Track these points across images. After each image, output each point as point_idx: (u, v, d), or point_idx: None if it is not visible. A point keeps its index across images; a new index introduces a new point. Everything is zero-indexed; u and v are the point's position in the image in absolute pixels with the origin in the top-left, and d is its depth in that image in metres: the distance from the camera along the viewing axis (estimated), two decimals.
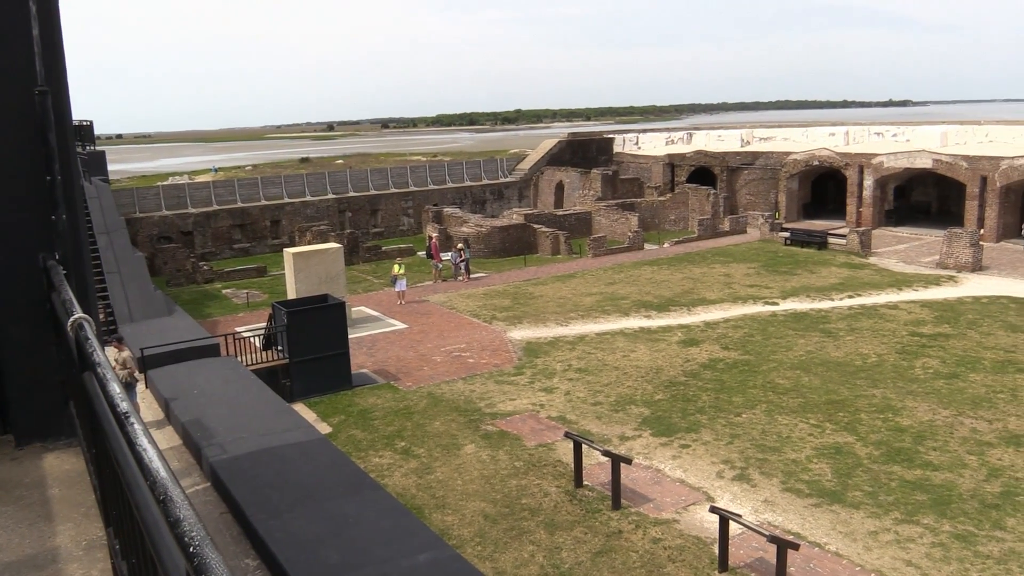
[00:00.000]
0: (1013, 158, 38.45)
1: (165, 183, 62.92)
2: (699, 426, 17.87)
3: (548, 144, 58.51)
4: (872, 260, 35.81)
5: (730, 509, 13.81)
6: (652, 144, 60.31)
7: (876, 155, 44.06)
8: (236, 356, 19.59)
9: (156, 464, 1.69)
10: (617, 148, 59.20)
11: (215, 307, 32.03)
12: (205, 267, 38.12)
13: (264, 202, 47.11)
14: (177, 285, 36.51)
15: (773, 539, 11.78)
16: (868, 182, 44.15)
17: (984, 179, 39.23)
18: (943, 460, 15.78)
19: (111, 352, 13.77)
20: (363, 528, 10.13)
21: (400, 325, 27.64)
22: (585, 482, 15.16)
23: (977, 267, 32.83)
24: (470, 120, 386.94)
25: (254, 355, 20.61)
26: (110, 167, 47.44)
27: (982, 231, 37.86)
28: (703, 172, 52.04)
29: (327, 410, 19.71)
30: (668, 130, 64.12)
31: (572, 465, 15.35)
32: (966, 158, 40.24)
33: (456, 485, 15.33)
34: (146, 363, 17.46)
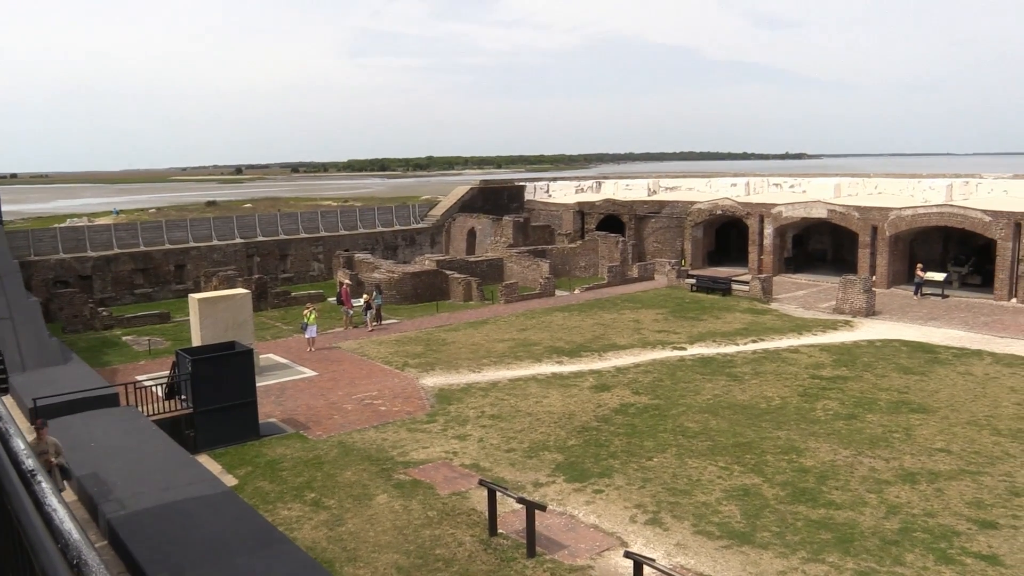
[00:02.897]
0: (900, 209, 40.68)
1: (63, 225, 60.52)
2: (612, 471, 17.99)
3: (460, 191, 58.90)
4: (774, 306, 37.09)
5: (644, 553, 13.90)
6: (562, 192, 61.37)
7: (775, 205, 45.94)
8: (136, 406, 18.85)
9: (68, 525, 1.60)
10: (528, 196, 60.01)
11: (115, 355, 30.74)
12: (104, 313, 36.62)
13: (168, 246, 45.76)
14: (74, 332, 34.94)
15: None
16: (768, 231, 45.93)
17: (875, 228, 41.33)
18: (845, 499, 16.30)
19: (31, 439, 12.55)
20: None
21: (310, 373, 27.08)
22: (500, 530, 15.03)
23: (870, 312, 34.38)
24: (382, 166, 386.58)
25: (156, 405, 19.82)
26: (3, 208, 45.40)
27: (874, 278, 39.76)
28: (612, 220, 53.19)
29: (233, 461, 19.04)
30: (578, 179, 65.40)
31: (486, 513, 15.21)
32: (858, 208, 42.36)
33: (368, 536, 14.98)
34: (39, 414, 16.60)
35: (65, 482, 12.12)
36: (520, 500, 14.63)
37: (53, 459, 11.66)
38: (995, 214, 37.18)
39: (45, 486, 1.85)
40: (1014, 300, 36.72)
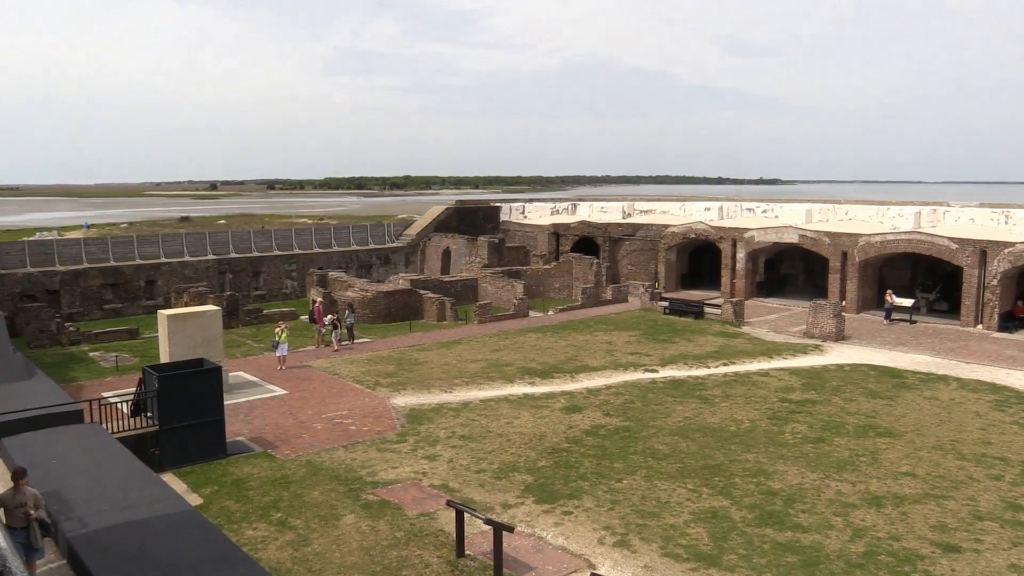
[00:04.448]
0: (870, 235, 41.27)
1: (31, 238, 59.80)
2: (581, 492, 17.98)
3: (436, 210, 58.94)
4: (745, 329, 37.37)
5: None
6: (538, 213, 61.63)
7: (748, 229, 46.42)
8: (101, 423, 18.59)
9: None
10: (504, 216, 60.18)
11: (81, 371, 30.31)
12: (72, 328, 36.12)
13: (139, 261, 45.33)
14: (39, 347, 34.42)
15: None
16: (741, 255, 46.37)
17: (845, 254, 41.87)
18: (811, 522, 16.40)
19: (7, 490, 11.15)
20: None
21: (280, 391, 26.86)
22: (467, 552, 14.94)
23: (840, 337, 34.74)
24: (358, 184, 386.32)
25: (121, 422, 19.54)
26: None
27: (844, 303, 40.21)
28: (587, 242, 53.46)
29: (198, 480, 18.80)
30: (554, 200, 65.71)
31: (454, 534, 15.13)
32: (828, 234, 42.91)
33: (334, 557, 14.83)
34: (0, 431, 16.33)
35: (45, 539, 11.18)
36: (488, 521, 14.57)
37: (33, 512, 10.83)
38: (962, 242, 37.83)
39: None
40: (980, 326, 37.29)
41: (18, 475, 11.04)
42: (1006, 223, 41.69)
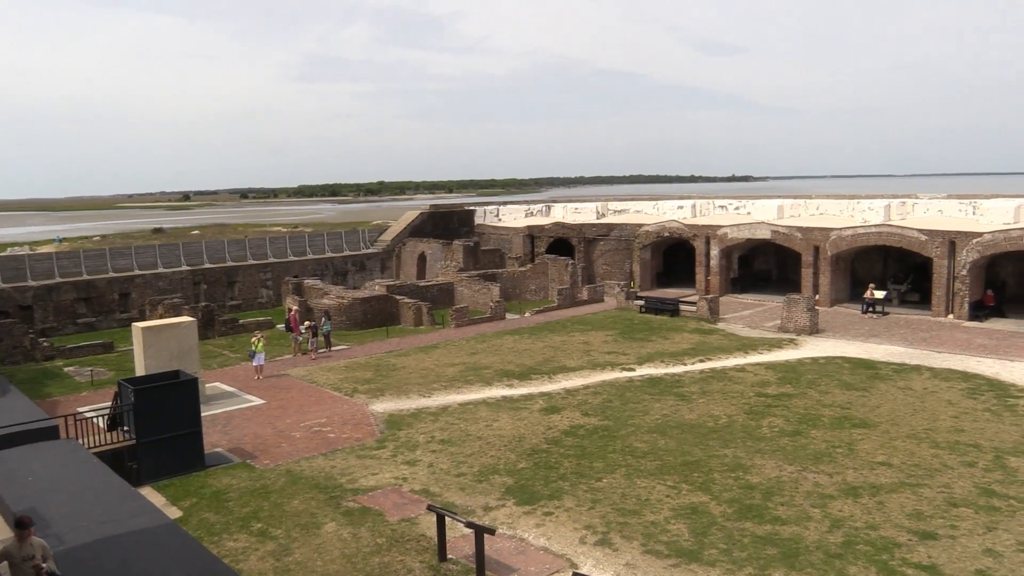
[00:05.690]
0: (841, 229, 41.73)
1: (2, 254, 59.07)
2: (561, 493, 18.06)
3: (410, 216, 58.87)
4: (720, 326, 37.66)
5: (593, 575, 13.98)
6: (512, 216, 61.71)
7: (721, 226, 46.78)
8: (77, 438, 18.43)
9: None
10: (478, 220, 60.21)
11: (55, 386, 29.99)
12: (45, 343, 35.72)
13: (112, 274, 44.90)
14: (13, 363, 34.01)
15: None
16: (714, 252, 46.72)
17: (817, 248, 42.31)
18: (790, 514, 16.58)
19: (10, 541, 10.38)
20: None
21: (257, 401, 26.73)
22: (449, 555, 14.97)
23: (814, 330, 35.11)
24: (332, 191, 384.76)
25: (98, 437, 19.39)
26: None
27: (817, 296, 40.61)
28: (561, 243, 53.60)
29: (177, 493, 18.69)
30: (527, 203, 65.84)
31: (436, 539, 15.15)
32: (800, 229, 43.34)
33: (316, 566, 14.80)
34: None
35: None
36: (469, 524, 14.61)
37: (43, 565, 10.08)
38: (931, 233, 38.37)
39: None
40: (951, 316, 37.83)
41: (24, 525, 10.09)
42: (974, 213, 42.34)
